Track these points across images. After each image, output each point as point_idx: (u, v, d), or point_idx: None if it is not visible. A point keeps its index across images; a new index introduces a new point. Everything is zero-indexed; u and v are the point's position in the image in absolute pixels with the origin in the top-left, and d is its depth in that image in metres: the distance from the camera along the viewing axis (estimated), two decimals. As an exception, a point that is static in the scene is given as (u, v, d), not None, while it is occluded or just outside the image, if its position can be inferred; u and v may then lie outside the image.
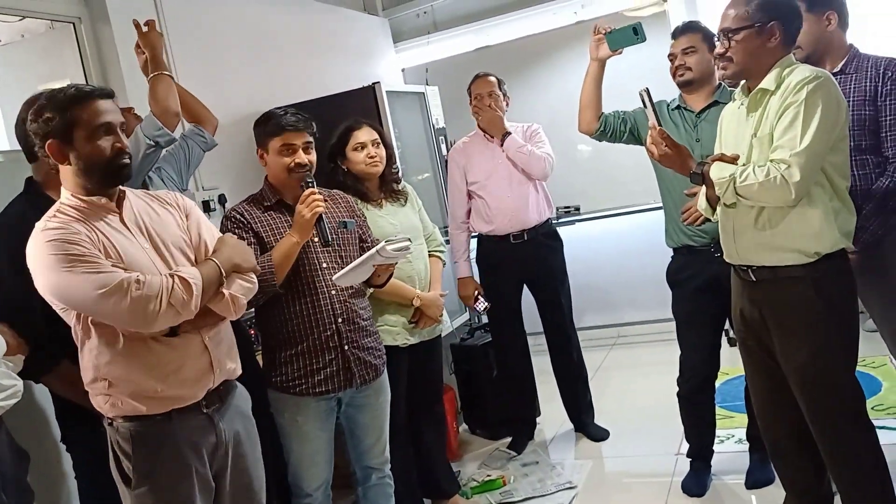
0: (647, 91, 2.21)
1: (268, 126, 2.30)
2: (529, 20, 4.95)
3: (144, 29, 2.46)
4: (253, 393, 2.04)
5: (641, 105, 2.25)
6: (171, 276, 1.70)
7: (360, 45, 4.80)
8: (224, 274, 1.80)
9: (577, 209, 5.07)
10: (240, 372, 1.97)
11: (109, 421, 1.77)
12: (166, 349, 1.74)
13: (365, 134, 2.75)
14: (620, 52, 2.69)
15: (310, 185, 2.25)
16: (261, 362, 2.41)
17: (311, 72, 4.12)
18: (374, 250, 2.16)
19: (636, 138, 2.84)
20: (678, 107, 2.74)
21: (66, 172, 1.74)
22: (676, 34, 2.68)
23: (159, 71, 2.40)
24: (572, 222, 4.96)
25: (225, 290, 1.80)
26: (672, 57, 2.68)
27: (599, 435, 3.56)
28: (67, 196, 1.75)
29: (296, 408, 2.28)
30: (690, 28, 2.67)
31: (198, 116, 2.77)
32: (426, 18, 5.24)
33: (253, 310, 2.30)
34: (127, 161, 1.76)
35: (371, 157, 2.73)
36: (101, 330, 1.70)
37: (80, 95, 1.70)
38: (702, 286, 2.69)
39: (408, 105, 3.87)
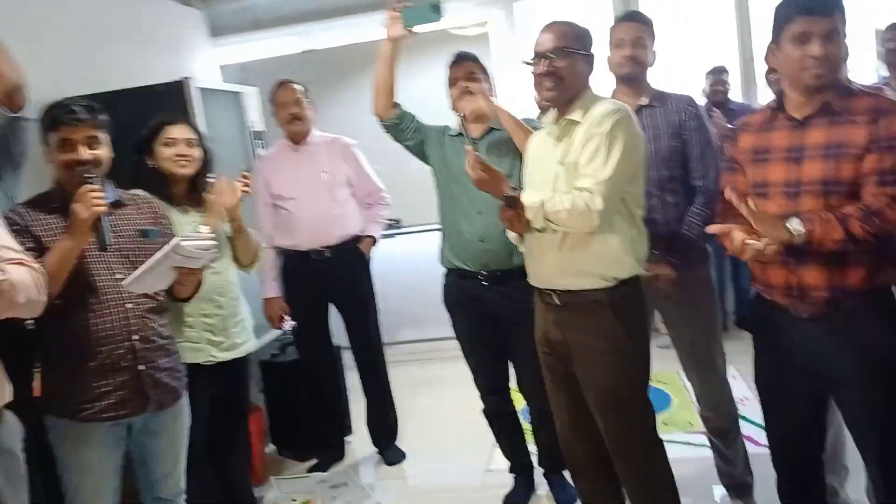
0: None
1: (44, 119, 2.05)
2: (357, 28, 4.87)
3: None
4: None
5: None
6: None
7: (170, 37, 4.45)
8: None
9: (398, 222, 5.05)
10: (10, 398, 1.72)
11: None
12: None
13: (179, 131, 2.53)
14: (414, 33, 2.55)
15: (90, 181, 1.98)
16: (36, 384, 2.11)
17: (110, 60, 3.72)
18: (167, 247, 1.92)
19: (420, 152, 2.78)
20: (459, 134, 2.67)
21: None
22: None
23: None
24: (392, 235, 4.92)
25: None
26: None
27: (392, 459, 3.51)
28: None
29: (78, 435, 2.02)
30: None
31: None
32: (246, 14, 4.97)
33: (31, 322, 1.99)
34: None
35: (180, 155, 2.52)
36: None
37: None
38: (475, 312, 2.71)
39: (223, 104, 3.63)
